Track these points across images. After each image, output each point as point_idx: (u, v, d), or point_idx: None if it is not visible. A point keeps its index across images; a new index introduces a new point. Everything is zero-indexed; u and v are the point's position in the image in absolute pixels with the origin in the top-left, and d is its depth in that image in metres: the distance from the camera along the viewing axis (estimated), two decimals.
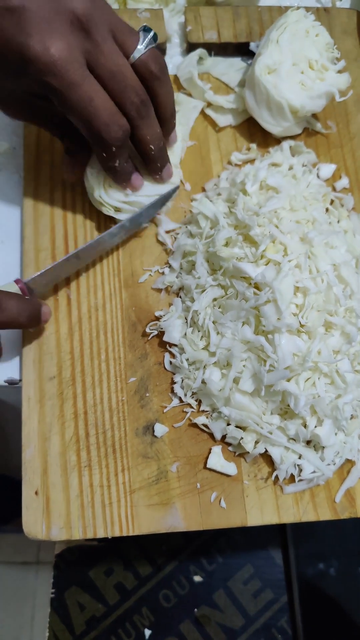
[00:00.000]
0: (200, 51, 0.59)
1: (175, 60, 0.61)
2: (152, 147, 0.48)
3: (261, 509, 0.46)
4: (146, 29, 0.44)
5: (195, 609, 0.63)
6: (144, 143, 0.48)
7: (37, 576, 1.51)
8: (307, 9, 0.60)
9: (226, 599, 0.64)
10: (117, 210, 0.51)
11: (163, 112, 0.48)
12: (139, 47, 0.44)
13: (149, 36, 0.44)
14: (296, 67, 0.53)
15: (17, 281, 0.47)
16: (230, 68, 0.59)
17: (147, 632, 0.62)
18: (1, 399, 0.76)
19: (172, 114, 0.49)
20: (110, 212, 0.51)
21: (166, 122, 0.49)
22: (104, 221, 0.53)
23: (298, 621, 0.62)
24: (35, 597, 1.49)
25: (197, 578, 0.65)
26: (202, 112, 0.58)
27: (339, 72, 0.55)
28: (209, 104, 0.58)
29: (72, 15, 0.40)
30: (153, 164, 0.50)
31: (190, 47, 0.60)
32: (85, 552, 0.66)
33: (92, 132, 0.44)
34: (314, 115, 0.58)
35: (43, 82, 0.41)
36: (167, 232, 0.53)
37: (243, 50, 0.60)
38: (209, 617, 0.63)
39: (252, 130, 0.58)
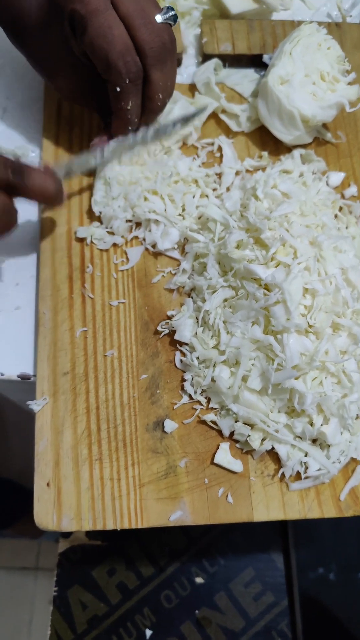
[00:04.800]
0: (215, 62, 0.61)
1: (189, 70, 0.63)
2: (160, 96, 0.49)
3: (267, 505, 0.47)
4: (170, 8, 0.46)
5: (197, 611, 0.64)
6: (153, 87, 0.48)
7: (36, 582, 1.51)
8: (319, 23, 0.62)
9: (227, 601, 0.65)
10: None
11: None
12: (157, 16, 0.46)
13: (171, 13, 0.46)
14: (308, 78, 0.54)
15: (45, 166, 0.49)
16: (243, 79, 0.61)
17: (148, 632, 0.63)
18: (8, 399, 0.77)
19: (170, 93, 0.51)
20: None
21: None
22: None
23: (298, 625, 0.62)
24: (34, 602, 1.48)
25: (199, 580, 0.65)
26: (217, 118, 0.60)
27: (350, 84, 0.57)
28: (223, 111, 0.60)
29: None
30: (149, 114, 0.51)
31: (205, 58, 0.62)
32: (89, 552, 0.66)
33: (108, 64, 0.45)
34: (325, 125, 0.60)
35: (70, 12, 0.43)
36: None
37: (256, 62, 0.63)
38: (209, 618, 0.64)
39: (265, 139, 0.60)
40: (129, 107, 0.48)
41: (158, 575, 0.66)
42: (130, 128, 0.51)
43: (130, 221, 0.54)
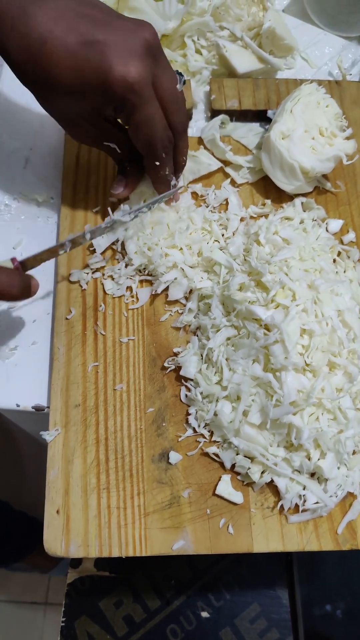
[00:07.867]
0: (222, 117, 0.65)
1: (199, 124, 0.68)
2: (184, 159, 0.58)
3: (267, 537, 0.49)
4: (179, 73, 0.53)
5: None
6: (180, 153, 0.57)
7: (45, 617, 1.50)
8: (320, 81, 0.66)
9: (232, 637, 0.65)
10: None
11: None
12: (177, 85, 0.52)
13: (184, 80, 0.54)
14: (308, 133, 0.59)
15: (13, 260, 0.51)
16: (249, 132, 0.66)
17: None
18: (23, 430, 0.79)
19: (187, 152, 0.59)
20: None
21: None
22: None
23: None
24: (42, 638, 1.47)
25: (205, 614, 0.66)
26: (223, 170, 0.64)
27: (347, 138, 0.60)
28: (229, 163, 0.64)
29: (145, 43, 0.48)
30: (178, 173, 0.59)
31: (213, 113, 0.67)
32: (96, 583, 0.67)
33: (150, 144, 0.52)
34: (324, 176, 0.63)
35: (122, 99, 0.48)
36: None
37: (261, 117, 0.67)
38: None
39: (268, 188, 0.63)
40: (166, 174, 0.55)
41: (164, 608, 0.66)
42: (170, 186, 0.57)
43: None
